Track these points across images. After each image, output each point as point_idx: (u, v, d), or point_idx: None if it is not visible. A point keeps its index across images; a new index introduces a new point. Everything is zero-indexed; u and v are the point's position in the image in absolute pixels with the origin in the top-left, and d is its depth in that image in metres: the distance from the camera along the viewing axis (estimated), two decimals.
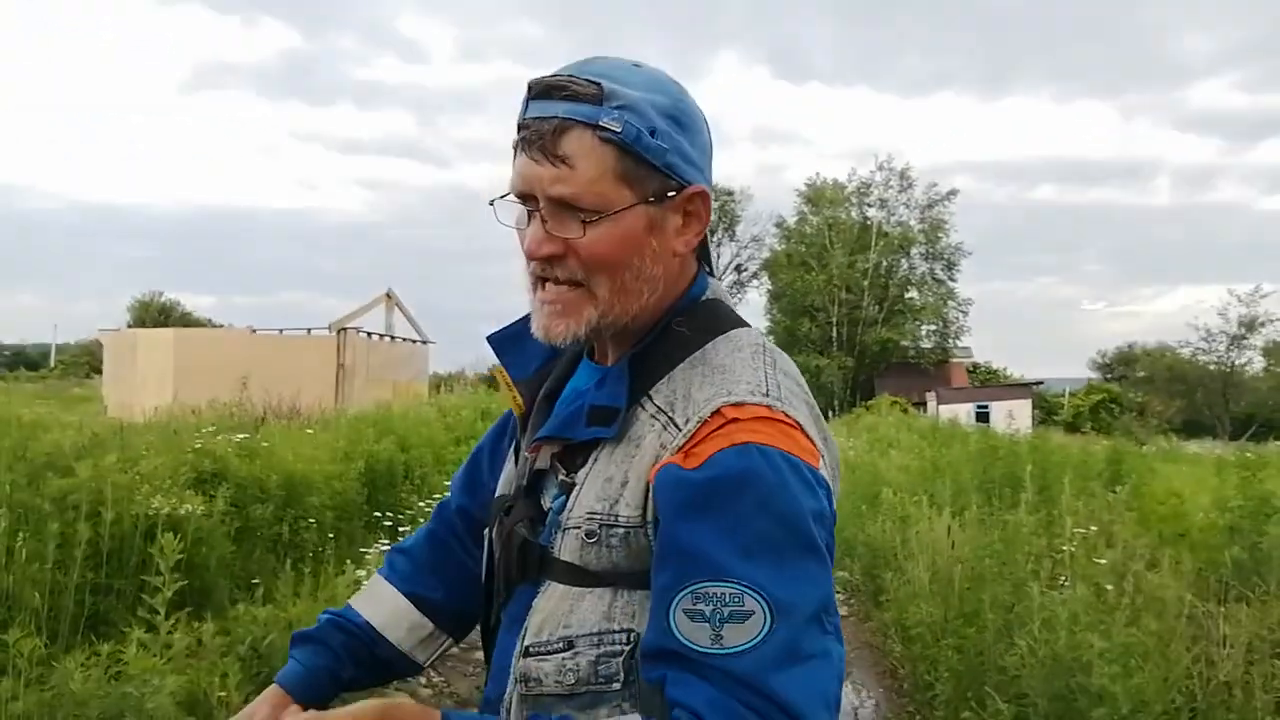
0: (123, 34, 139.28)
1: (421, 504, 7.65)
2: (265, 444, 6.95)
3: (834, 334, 49.78)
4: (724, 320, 1.10)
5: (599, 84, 1.00)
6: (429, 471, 8.69)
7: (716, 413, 0.96)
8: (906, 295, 53.22)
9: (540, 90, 1.02)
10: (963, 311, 53.58)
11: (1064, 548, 4.84)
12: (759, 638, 0.85)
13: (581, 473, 1.03)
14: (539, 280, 1.06)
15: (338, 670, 1.25)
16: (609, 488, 1.00)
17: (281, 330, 21.73)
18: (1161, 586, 3.98)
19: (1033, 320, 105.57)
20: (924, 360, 51.61)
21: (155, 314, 53.32)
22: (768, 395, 0.98)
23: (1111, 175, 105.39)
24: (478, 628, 1.30)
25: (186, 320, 51.73)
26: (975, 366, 56.03)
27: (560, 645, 1.00)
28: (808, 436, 0.97)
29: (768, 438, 0.93)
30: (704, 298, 1.12)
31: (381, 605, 1.31)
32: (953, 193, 53.29)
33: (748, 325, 1.11)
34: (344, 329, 20.41)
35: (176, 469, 5.67)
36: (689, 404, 0.99)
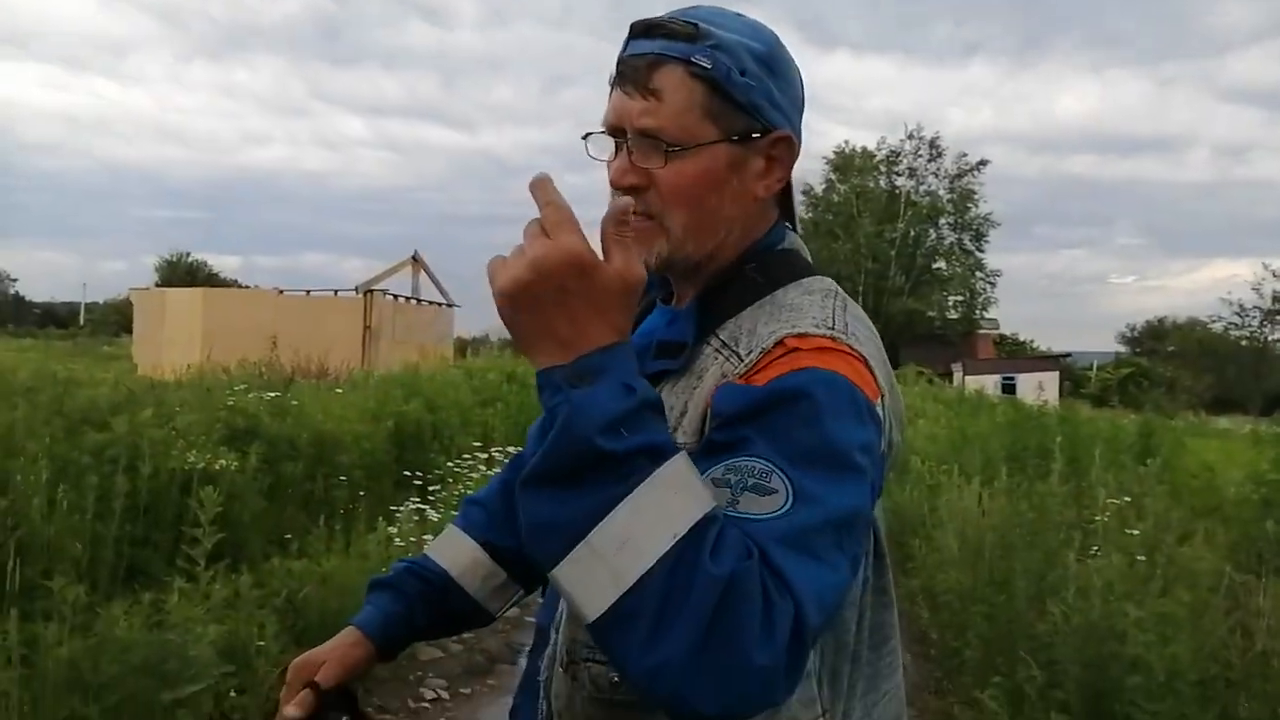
0: None
1: (450, 464, 7.71)
2: (295, 403, 7.02)
3: (860, 303, 49.21)
4: (798, 269, 1.10)
5: (695, 24, 1.02)
6: (456, 432, 8.74)
7: (779, 343, 0.95)
8: (934, 266, 52.79)
9: (640, 29, 1.05)
10: (990, 283, 53.16)
11: (1096, 518, 4.82)
12: (775, 513, 0.83)
13: None
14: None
15: (413, 617, 1.26)
16: (669, 416, 0.99)
17: (309, 292, 21.85)
18: (1196, 559, 3.95)
19: (1061, 293, 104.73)
20: (950, 331, 51.27)
21: (182, 274, 53.73)
22: (833, 329, 0.97)
23: (1146, 147, 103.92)
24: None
25: (213, 280, 52.12)
26: (1002, 338, 55.63)
27: None
28: (871, 372, 0.96)
29: (830, 364, 0.92)
30: (781, 247, 1.12)
31: (458, 554, 1.31)
32: (983, 163, 52.69)
33: (823, 275, 1.10)
34: (370, 291, 20.49)
35: (210, 425, 5.74)
36: (753, 338, 0.99)
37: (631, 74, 1.03)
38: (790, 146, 1.07)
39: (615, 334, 0.85)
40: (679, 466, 0.82)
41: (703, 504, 0.81)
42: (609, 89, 1.07)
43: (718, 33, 1.02)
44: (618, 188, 1.04)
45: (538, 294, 0.83)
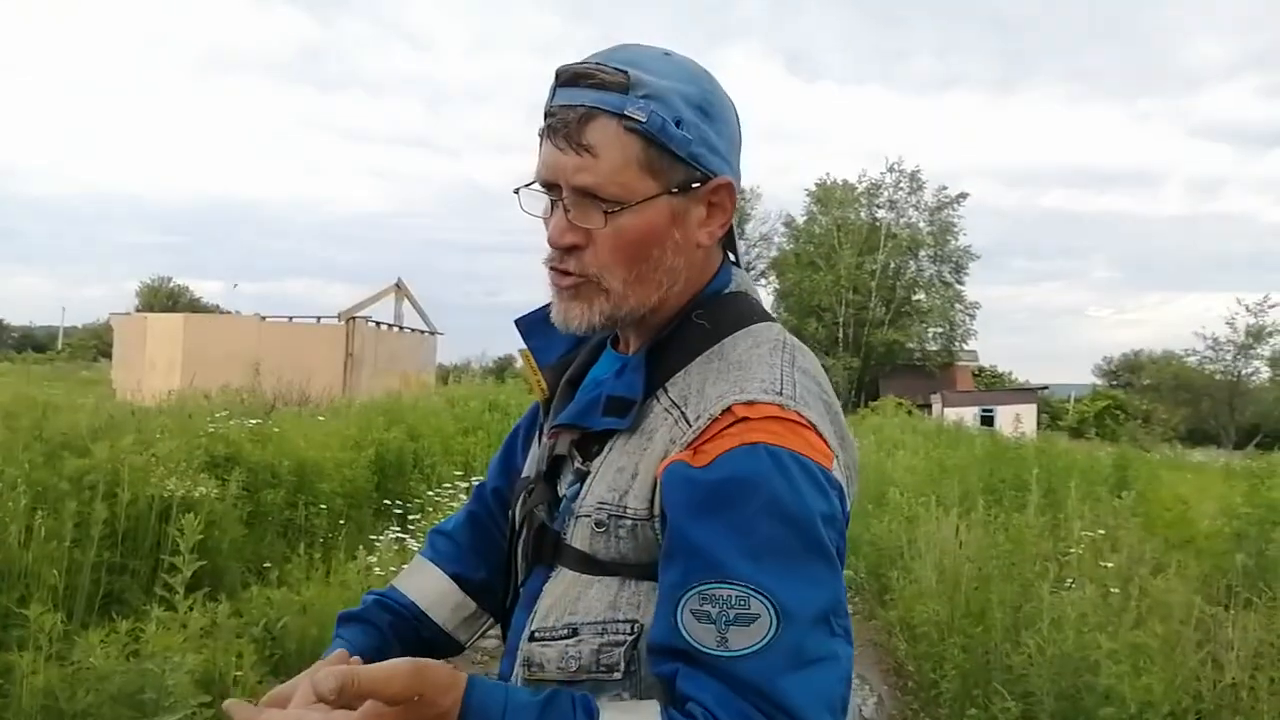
0: (135, 17, 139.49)
1: (430, 493, 7.70)
2: (276, 430, 7.01)
3: (840, 334, 49.71)
4: (746, 314, 1.09)
5: (626, 72, 0.98)
6: (437, 461, 8.73)
7: (727, 410, 0.94)
8: (914, 297, 53.13)
9: (567, 78, 1.01)
10: (969, 315, 53.52)
11: (1071, 550, 4.87)
12: (764, 641, 0.85)
13: (596, 461, 1.03)
14: (557, 269, 1.05)
15: (384, 649, 1.24)
16: (620, 478, 1.00)
17: (291, 318, 21.81)
18: (1168, 591, 4.01)
19: (1038, 325, 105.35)
20: (930, 363, 51.54)
21: (164, 299, 53.45)
22: (781, 394, 0.96)
23: (1121, 181, 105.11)
24: None
25: (195, 306, 51.82)
26: (980, 370, 55.95)
27: (565, 632, 1.00)
28: (821, 436, 0.95)
29: (778, 438, 0.91)
30: (728, 290, 1.11)
31: (426, 585, 1.31)
32: (962, 196, 53.17)
33: (772, 319, 1.10)
34: (353, 318, 20.47)
35: (190, 452, 5.72)
36: (701, 399, 0.98)
37: (562, 128, 0.99)
38: (731, 191, 1.05)
39: (448, 688, 0.84)
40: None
41: None
42: (539, 139, 1.04)
43: (650, 80, 0.99)
44: (557, 247, 1.03)
45: None
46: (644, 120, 0.98)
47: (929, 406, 36.22)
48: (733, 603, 0.86)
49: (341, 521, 6.28)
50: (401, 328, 23.19)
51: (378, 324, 21.77)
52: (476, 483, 1.50)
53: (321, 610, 4.38)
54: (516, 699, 0.85)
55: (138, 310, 36.55)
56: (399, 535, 5.99)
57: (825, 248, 51.84)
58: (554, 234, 1.02)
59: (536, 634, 1.04)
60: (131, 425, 5.88)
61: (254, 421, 7.03)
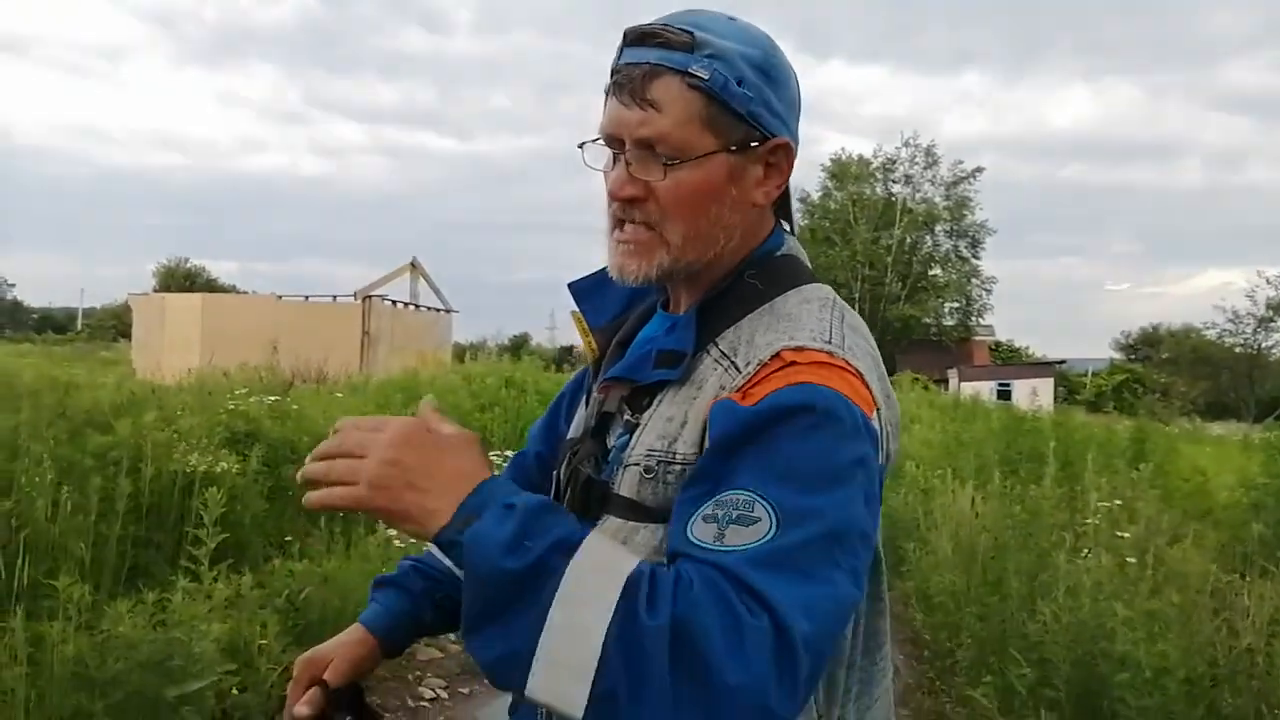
0: (146, 1, 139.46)
1: None
2: (295, 407, 7.06)
3: (857, 310, 49.46)
4: (797, 275, 1.11)
5: (691, 33, 1.02)
6: None
7: (776, 356, 0.97)
8: (930, 272, 52.91)
9: (634, 38, 1.05)
10: (986, 290, 53.29)
11: (1088, 520, 4.88)
12: (758, 542, 0.84)
13: (646, 414, 1.05)
14: (618, 221, 1.08)
15: (418, 614, 1.28)
16: (669, 427, 1.02)
17: (307, 297, 21.92)
18: (1185, 560, 4.01)
19: (1056, 300, 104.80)
20: (946, 338, 51.38)
21: (181, 279, 53.73)
22: (830, 342, 0.98)
23: (1140, 155, 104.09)
24: None
25: (211, 286, 52.06)
26: (997, 345, 55.72)
27: None
28: (866, 386, 0.97)
29: (824, 379, 0.93)
30: (780, 252, 1.13)
31: None
32: (978, 170, 52.84)
33: (821, 283, 1.12)
34: (369, 297, 20.55)
35: (212, 428, 5.79)
36: (751, 348, 1.00)
37: (628, 84, 1.03)
38: (788, 153, 1.08)
39: (476, 476, 0.91)
40: (590, 546, 0.85)
41: (623, 569, 0.83)
42: (604, 97, 1.08)
43: (714, 41, 1.02)
44: (616, 199, 1.06)
45: (403, 468, 0.90)
46: (706, 78, 1.01)
47: (945, 381, 36.12)
48: (738, 505, 0.87)
49: None
50: (417, 306, 23.27)
51: (393, 302, 21.85)
52: (511, 455, 1.51)
53: (343, 582, 4.44)
54: (532, 495, 0.90)
55: (155, 291, 36.78)
56: None
57: (840, 223, 51.64)
58: (614, 185, 1.05)
59: None
60: (153, 402, 5.94)
61: (273, 398, 7.09)
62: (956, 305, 53.14)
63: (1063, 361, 48.65)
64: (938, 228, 52.95)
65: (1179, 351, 53.07)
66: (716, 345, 1.04)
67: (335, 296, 21.68)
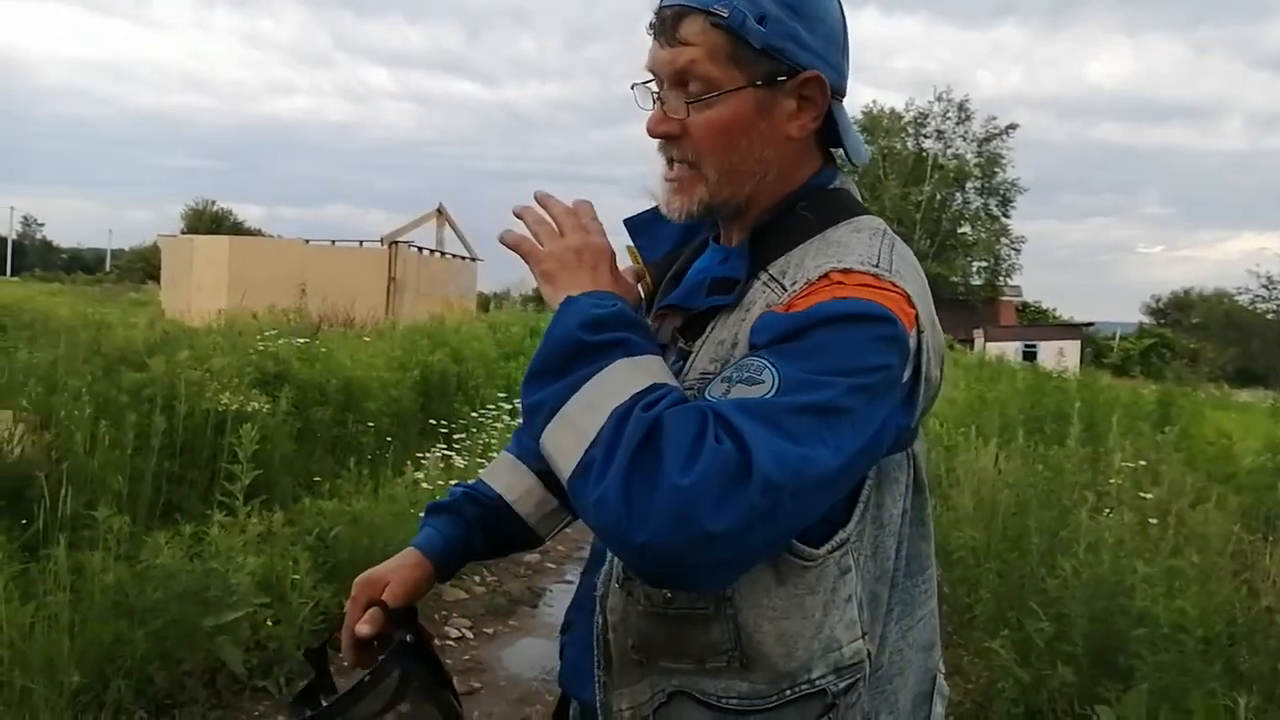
0: None
1: (474, 414, 7.84)
2: (324, 350, 7.14)
3: None
4: (849, 207, 1.14)
5: None
6: (480, 384, 8.87)
7: (824, 276, 1.00)
8: (959, 230, 52.35)
9: None
10: (1015, 249, 52.69)
11: (1110, 481, 4.89)
12: (756, 398, 0.90)
13: (699, 341, 1.09)
14: (668, 161, 1.13)
15: (470, 539, 1.32)
16: (720, 349, 1.05)
17: (334, 242, 21.99)
18: (1206, 522, 4.02)
19: (1085, 262, 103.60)
20: (973, 297, 50.96)
21: (208, 222, 53.96)
22: (878, 265, 1.01)
23: (1179, 114, 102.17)
24: None
25: (238, 229, 52.29)
26: (1024, 306, 55.26)
27: None
28: (912, 306, 1.00)
29: (868, 295, 0.96)
30: (831, 186, 1.15)
31: (512, 480, 1.37)
32: (1012, 127, 51.96)
33: (871, 214, 1.14)
34: (395, 243, 20.60)
35: (242, 369, 5.87)
36: (801, 270, 1.04)
37: (660, 25, 1.08)
38: (822, 85, 1.09)
39: (610, 289, 1.06)
40: (648, 357, 0.96)
41: (658, 377, 0.94)
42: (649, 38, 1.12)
43: None
44: (652, 135, 1.11)
45: (578, 259, 1.08)
46: (725, 15, 1.04)
47: (971, 341, 35.93)
48: (749, 368, 0.93)
49: (388, 439, 6.42)
50: (443, 253, 23.30)
51: (420, 249, 21.88)
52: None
53: (371, 522, 4.52)
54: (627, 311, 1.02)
55: (183, 233, 37.02)
56: (445, 453, 6.13)
57: (870, 178, 51.04)
58: (650, 123, 1.11)
59: None
60: (185, 342, 6.03)
61: (301, 341, 7.17)
62: (985, 264, 52.60)
63: (1090, 324, 48.22)
64: (968, 185, 52.26)
65: (1210, 317, 52.41)
66: (767, 270, 1.07)
67: (362, 242, 21.75)
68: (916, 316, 1.00)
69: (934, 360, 1.05)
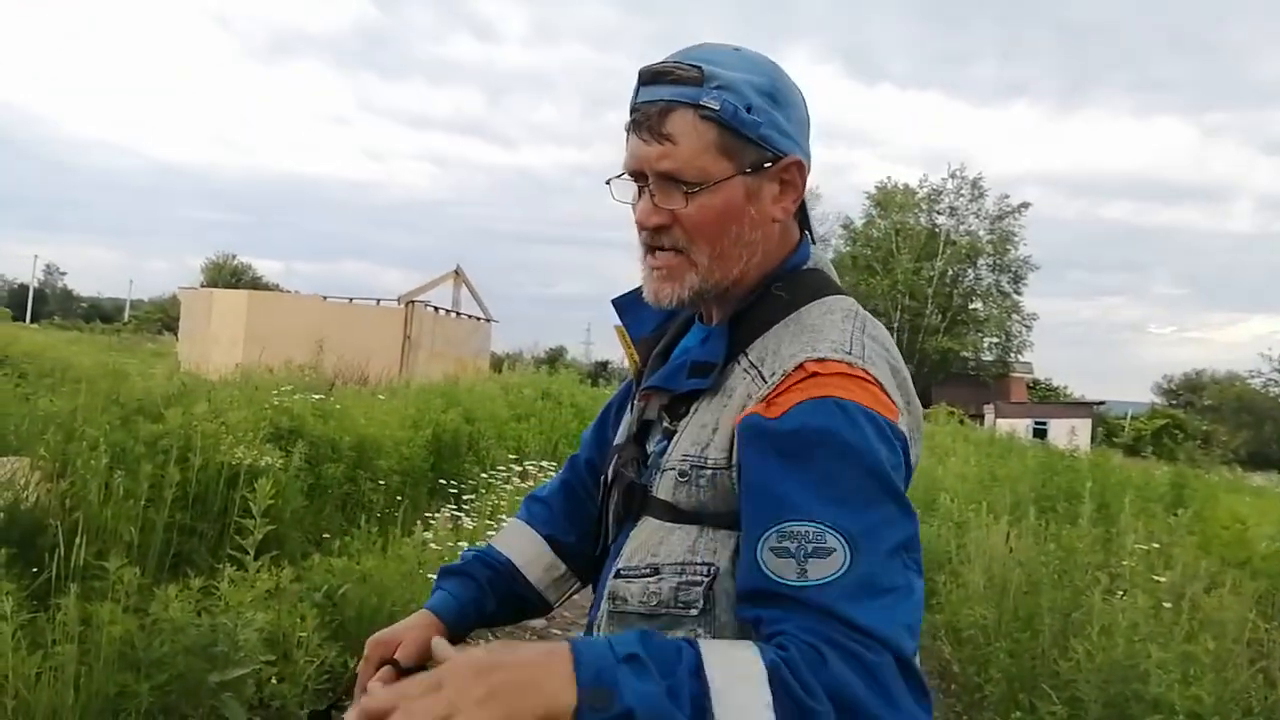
0: None
1: (484, 475, 7.83)
2: (338, 406, 7.18)
3: (895, 340, 49.26)
4: (822, 287, 1.18)
5: (700, 67, 1.09)
6: (491, 444, 8.87)
7: (799, 367, 1.03)
8: (970, 306, 52.50)
9: (649, 77, 1.12)
10: (1026, 326, 52.76)
11: (1123, 562, 4.84)
12: (840, 571, 0.90)
13: (683, 421, 1.13)
14: (649, 249, 1.16)
15: (482, 602, 1.34)
16: (702, 433, 1.09)
17: (351, 299, 22.19)
18: (1221, 608, 3.98)
19: (1097, 340, 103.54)
20: (984, 373, 50.93)
21: (228, 276, 54.58)
22: (850, 353, 1.04)
23: (1189, 196, 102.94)
24: None
25: (257, 284, 52.84)
26: (1035, 383, 55.12)
27: (648, 570, 1.10)
28: (886, 393, 1.03)
29: (846, 392, 0.99)
30: (805, 266, 1.20)
31: (523, 545, 1.40)
32: (1024, 205, 52.47)
33: (846, 294, 1.18)
34: (412, 302, 20.78)
35: (257, 423, 5.90)
36: (777, 358, 1.07)
37: (645, 121, 1.10)
38: (801, 169, 1.14)
39: (557, 649, 0.83)
40: (711, 655, 0.85)
41: (755, 665, 0.84)
42: (625, 134, 1.15)
43: (721, 73, 1.09)
44: (644, 228, 1.14)
45: (502, 693, 0.78)
46: (717, 108, 1.08)
47: (981, 416, 35.78)
48: (810, 538, 0.93)
49: (399, 498, 6.42)
50: (459, 314, 23.48)
51: (435, 309, 22.07)
52: (546, 465, 1.58)
53: (380, 580, 4.50)
54: (619, 637, 0.86)
55: (203, 285, 37.37)
56: (455, 513, 6.12)
57: (883, 252, 51.39)
58: (641, 216, 1.13)
59: (622, 571, 1.13)
60: (203, 394, 6.08)
61: (317, 397, 7.21)
62: (996, 340, 52.66)
63: (1102, 403, 48.07)
64: (980, 261, 52.53)
65: (1222, 399, 52.21)
66: (746, 355, 1.11)
67: (379, 300, 21.96)
68: (893, 400, 1.04)
69: (914, 439, 1.10)
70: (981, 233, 52.40)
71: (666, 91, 1.09)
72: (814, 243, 1.24)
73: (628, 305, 1.30)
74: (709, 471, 1.07)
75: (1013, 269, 52.21)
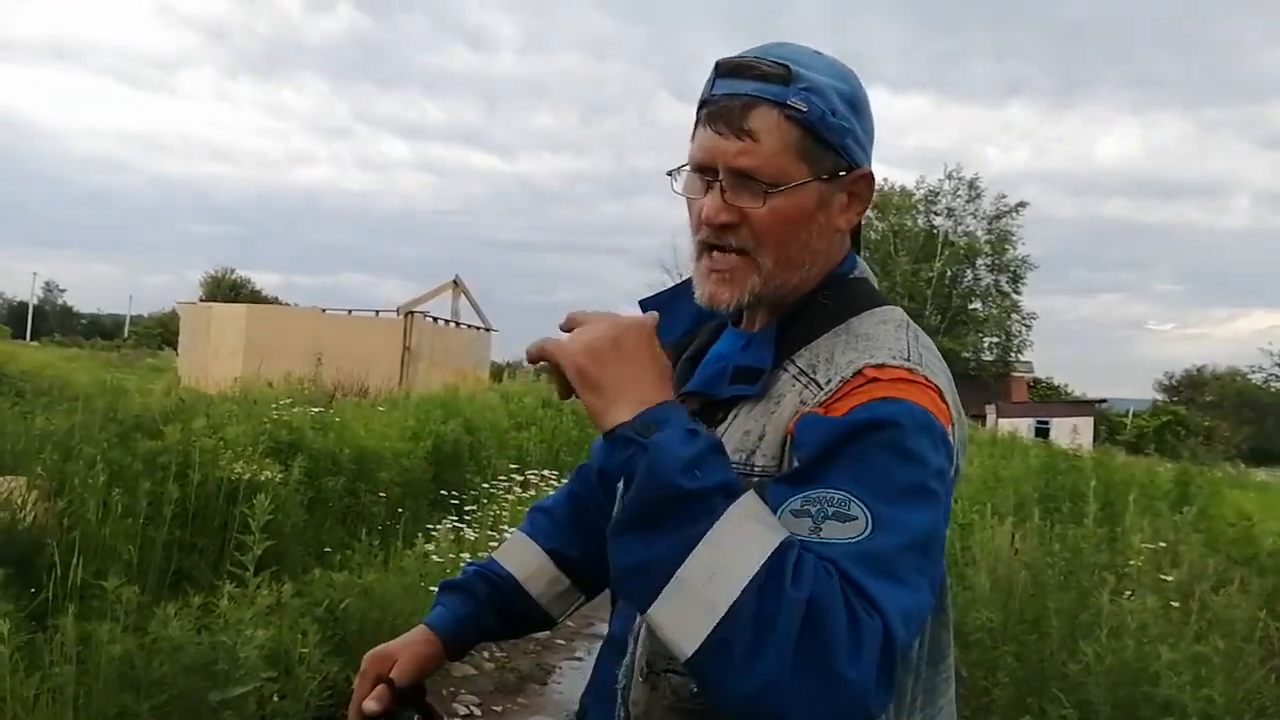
0: (199, 11, 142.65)
1: (485, 485, 7.80)
2: (337, 419, 7.15)
3: None
4: (869, 297, 1.15)
5: (787, 66, 1.05)
6: (493, 454, 8.84)
7: (859, 373, 1.00)
8: (970, 306, 52.46)
9: (729, 69, 1.08)
10: (1026, 325, 52.70)
11: (1130, 562, 4.81)
12: (856, 539, 0.88)
13: (721, 428, 1.08)
14: (707, 248, 1.11)
15: (482, 618, 1.31)
16: (746, 440, 1.05)
17: (350, 311, 22.18)
18: (1230, 606, 3.94)
19: (1097, 338, 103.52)
20: (984, 373, 50.85)
21: (226, 289, 54.58)
22: (909, 359, 1.02)
23: (1187, 192, 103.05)
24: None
25: (255, 297, 52.84)
26: (1036, 382, 55.07)
27: None
28: (944, 400, 1.01)
29: (907, 394, 0.97)
30: (853, 275, 1.17)
31: (525, 559, 1.37)
32: (1022, 205, 52.40)
33: (892, 305, 1.15)
34: (411, 313, 20.76)
35: (256, 437, 5.87)
36: (832, 366, 1.04)
37: (724, 114, 1.06)
38: (870, 182, 1.13)
39: (665, 393, 0.96)
40: (751, 501, 0.89)
41: (778, 532, 0.87)
42: (694, 126, 1.11)
43: (809, 75, 1.06)
44: (711, 225, 1.08)
45: (616, 350, 0.96)
46: (805, 110, 1.05)
47: (983, 417, 35.75)
48: (833, 503, 0.90)
49: (399, 510, 6.39)
50: (458, 324, 23.47)
51: (435, 319, 22.05)
52: (549, 475, 1.55)
53: (382, 594, 4.48)
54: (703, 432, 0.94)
55: (202, 300, 37.38)
56: (456, 525, 6.09)
57: (881, 254, 51.34)
58: (710, 212, 1.07)
59: None
60: (201, 409, 6.05)
61: (316, 410, 7.18)
62: (996, 340, 52.60)
63: (1103, 401, 48.01)
64: (979, 261, 52.50)
65: (1223, 395, 52.18)
66: (794, 363, 1.07)
67: (378, 311, 21.94)
68: (949, 409, 1.02)
69: (961, 451, 1.07)
70: (979, 233, 52.38)
71: (750, 86, 1.05)
72: (858, 253, 1.22)
73: (658, 308, 1.25)
74: (755, 479, 1.02)
75: (1011, 268, 52.17)
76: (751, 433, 1.05)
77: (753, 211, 1.06)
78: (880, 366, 1.01)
